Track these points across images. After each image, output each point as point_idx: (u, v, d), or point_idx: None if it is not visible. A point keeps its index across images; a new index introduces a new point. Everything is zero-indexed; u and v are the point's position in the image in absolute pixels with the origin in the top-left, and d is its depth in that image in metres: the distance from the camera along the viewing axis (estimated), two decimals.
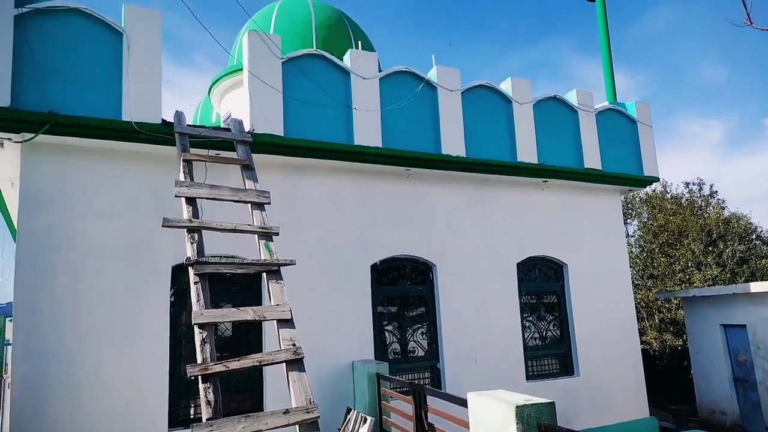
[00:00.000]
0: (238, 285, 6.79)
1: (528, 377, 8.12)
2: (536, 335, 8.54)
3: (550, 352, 8.57)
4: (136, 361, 5.84)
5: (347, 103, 7.23)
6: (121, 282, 5.96)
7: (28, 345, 5.49)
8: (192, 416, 6.16)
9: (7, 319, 9.60)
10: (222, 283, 6.57)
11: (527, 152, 8.38)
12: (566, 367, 8.61)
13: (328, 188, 7.30)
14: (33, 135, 5.57)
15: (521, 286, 8.43)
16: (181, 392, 6.15)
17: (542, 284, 8.76)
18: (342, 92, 7.26)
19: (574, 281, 8.84)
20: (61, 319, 5.63)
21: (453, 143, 7.81)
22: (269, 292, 4.99)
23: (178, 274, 6.24)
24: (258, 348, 6.53)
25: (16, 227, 9.68)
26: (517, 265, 8.43)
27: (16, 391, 5.38)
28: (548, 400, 3.24)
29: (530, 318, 8.54)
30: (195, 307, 4.51)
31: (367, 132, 7.25)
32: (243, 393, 6.52)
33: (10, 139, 5.65)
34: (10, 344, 9.44)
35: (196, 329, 4.38)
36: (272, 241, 5.37)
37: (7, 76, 5.46)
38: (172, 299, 6.27)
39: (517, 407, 3.12)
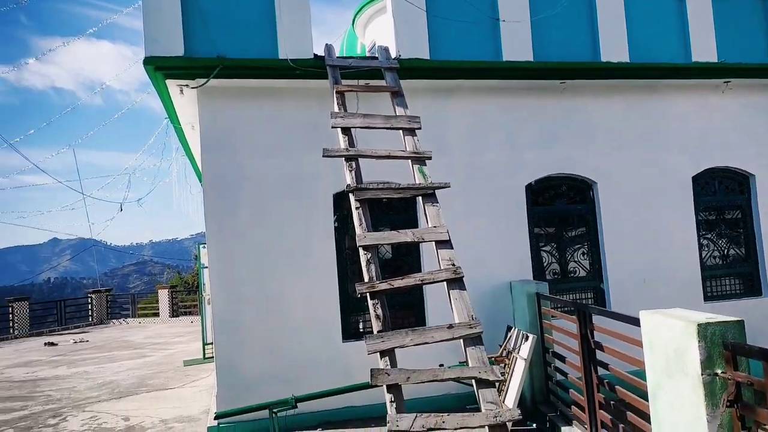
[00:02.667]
0: (394, 210, 7.03)
1: (706, 298, 7.51)
2: (716, 253, 7.78)
3: (733, 271, 7.79)
4: (310, 282, 6.42)
5: (494, 15, 6.86)
6: (292, 211, 6.49)
7: (221, 270, 6.28)
8: (361, 330, 6.69)
9: (201, 246, 11.01)
10: (379, 208, 6.85)
11: (704, 50, 7.36)
12: (752, 286, 7.79)
13: (477, 109, 7.12)
14: (205, 80, 6.11)
15: (698, 201, 7.65)
16: (351, 308, 6.67)
17: (723, 198, 7.87)
18: (488, 4, 6.89)
19: (762, 193, 7.80)
20: (245, 245, 6.32)
21: (614, 49, 7.10)
22: (426, 215, 5.10)
23: (339, 201, 6.62)
24: (416, 269, 6.79)
25: (199, 166, 10.90)
26: (693, 178, 7.63)
27: (217, 307, 6.24)
28: (736, 318, 2.96)
29: (708, 235, 7.77)
30: (358, 231, 4.78)
31: (517, 46, 6.86)
32: (406, 310, 6.89)
33: (187, 85, 6.26)
34: (206, 267, 10.89)
35: (361, 251, 4.66)
36: (425, 165, 5.43)
37: (178, 27, 6.00)
38: (336, 225, 6.70)
39: (699, 325, 2.89)
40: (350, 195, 5.02)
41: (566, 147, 7.29)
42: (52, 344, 16.16)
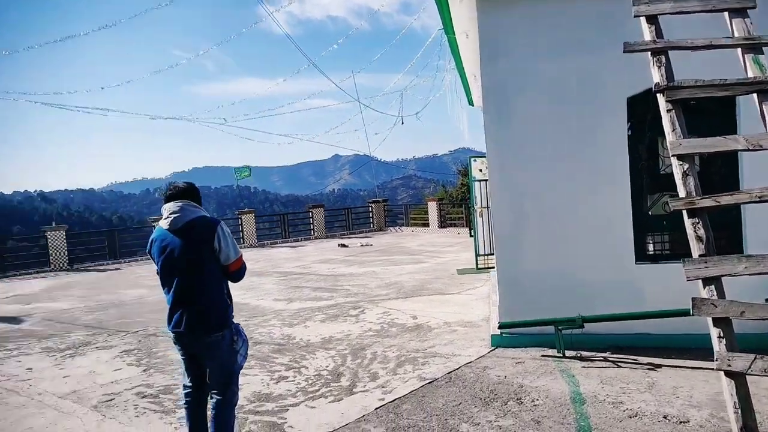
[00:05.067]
0: (701, 114, 5.90)
1: None
2: None
3: None
4: (599, 197, 5.90)
5: None
6: (577, 119, 5.94)
7: (501, 183, 6.15)
8: (654, 252, 6.00)
9: (472, 159, 11.12)
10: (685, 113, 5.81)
11: None
12: None
13: None
14: None
15: None
16: (644, 227, 5.98)
17: None
18: None
19: None
20: (525, 157, 6.05)
21: None
22: (763, 117, 4.08)
23: (633, 106, 5.81)
24: (732, 186, 5.68)
25: (467, 77, 10.80)
26: None
27: (498, 221, 6.21)
28: None
29: None
30: (671, 137, 4.06)
31: None
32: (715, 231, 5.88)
33: None
34: (477, 180, 11.03)
35: (675, 161, 3.97)
36: (762, 54, 4.31)
37: None
38: (629, 133, 5.94)
39: None
40: (659, 96, 4.26)
41: None
42: (343, 246, 18.71)
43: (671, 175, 4.34)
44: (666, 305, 5.32)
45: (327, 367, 5.78)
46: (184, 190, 3.50)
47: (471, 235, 18.42)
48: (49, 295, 12.16)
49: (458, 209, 23.87)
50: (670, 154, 4.03)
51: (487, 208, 10.71)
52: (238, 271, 3.52)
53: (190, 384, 3.56)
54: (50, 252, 17.25)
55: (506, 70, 6.06)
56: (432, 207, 22.99)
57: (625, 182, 5.86)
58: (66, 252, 17.52)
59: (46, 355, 6.90)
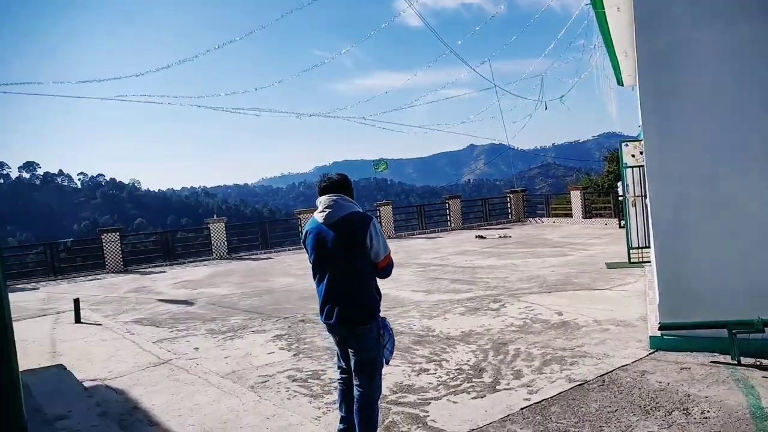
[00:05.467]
0: None
1: None
2: None
3: None
4: None
5: None
6: (751, 94, 5.15)
7: (662, 167, 5.54)
8: None
9: (623, 144, 10.25)
10: None
11: None
12: None
13: None
14: None
15: None
16: None
17: None
18: None
19: None
20: (690, 138, 5.39)
21: None
22: None
23: None
24: None
25: (617, 55, 9.95)
26: None
27: (656, 210, 5.62)
28: None
29: None
30: None
31: None
32: None
33: None
34: (628, 167, 10.17)
35: None
36: None
37: None
38: None
39: None
40: None
41: None
42: (481, 237, 18.39)
43: None
44: None
45: (468, 361, 5.66)
46: (338, 183, 3.57)
47: (621, 226, 17.15)
48: (211, 281, 13.43)
49: (605, 198, 22.32)
50: None
51: (642, 196, 9.82)
52: (386, 268, 3.56)
53: (343, 369, 3.69)
54: (212, 242, 19.06)
55: (667, 42, 5.44)
56: (575, 196, 21.74)
57: None
58: (225, 242, 19.24)
59: (210, 336, 7.58)
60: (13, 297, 13.12)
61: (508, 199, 24.59)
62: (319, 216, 3.52)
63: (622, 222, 14.36)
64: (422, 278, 10.94)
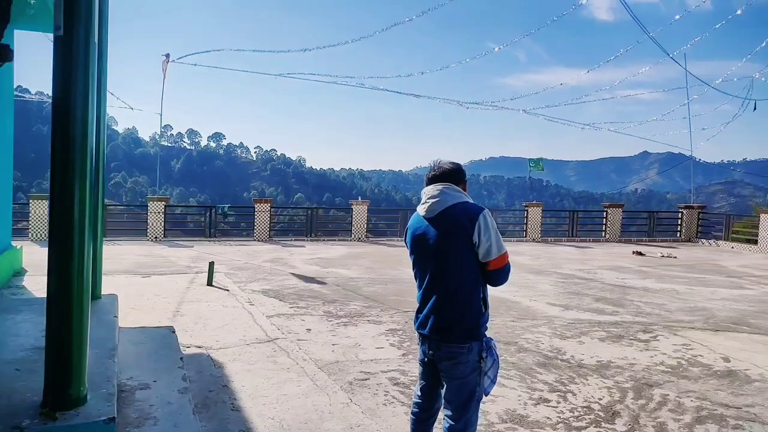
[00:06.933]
0: None
1: None
2: None
3: None
4: None
5: None
6: None
7: None
8: None
9: None
10: None
11: None
12: None
13: None
14: None
15: None
16: None
17: None
18: None
19: None
20: None
21: None
22: None
23: None
24: None
25: None
26: None
27: None
28: None
29: None
30: None
31: None
32: None
33: None
34: None
35: None
36: None
37: None
38: None
39: None
40: None
41: None
42: (639, 254, 16.41)
43: None
44: None
45: (600, 399, 4.75)
46: (449, 172, 2.97)
47: None
48: (343, 262, 13.50)
49: None
50: None
51: None
52: (499, 272, 2.83)
53: (421, 394, 3.07)
54: (353, 223, 19.38)
55: None
56: (765, 220, 18.50)
57: None
58: (365, 224, 19.45)
59: (326, 319, 7.41)
60: (171, 251, 14.49)
61: (680, 214, 21.75)
62: (421, 209, 2.94)
63: None
64: (562, 291, 9.84)
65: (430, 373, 2.98)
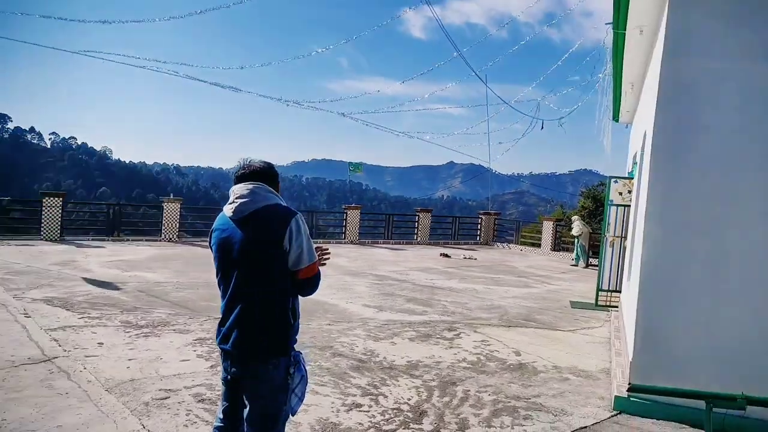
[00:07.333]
0: None
1: None
2: None
3: None
4: None
5: None
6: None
7: (664, 210, 4.87)
8: None
9: (612, 180, 9.59)
10: None
11: None
12: None
13: None
14: None
15: None
16: None
17: None
18: None
19: None
20: (705, 185, 4.74)
21: None
22: None
23: None
24: None
25: (622, 86, 9.31)
26: None
27: (648, 258, 4.93)
28: None
29: None
30: None
31: None
32: None
33: None
34: (613, 204, 9.54)
35: None
36: None
37: None
38: None
39: None
40: None
41: None
42: (446, 256, 17.69)
43: None
44: None
45: (409, 399, 4.87)
46: (260, 171, 2.72)
47: (587, 266, 16.66)
48: (149, 264, 12.33)
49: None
50: None
51: (622, 237, 9.22)
52: (308, 281, 2.64)
53: (223, 417, 2.77)
54: (163, 222, 17.90)
55: (691, 71, 4.79)
56: (547, 227, 21.26)
57: None
58: (177, 224, 18.10)
59: (123, 330, 6.60)
60: None
61: (480, 220, 24.01)
62: (228, 209, 2.65)
63: (595, 261, 13.84)
64: (377, 292, 10.12)
65: (234, 392, 2.70)
